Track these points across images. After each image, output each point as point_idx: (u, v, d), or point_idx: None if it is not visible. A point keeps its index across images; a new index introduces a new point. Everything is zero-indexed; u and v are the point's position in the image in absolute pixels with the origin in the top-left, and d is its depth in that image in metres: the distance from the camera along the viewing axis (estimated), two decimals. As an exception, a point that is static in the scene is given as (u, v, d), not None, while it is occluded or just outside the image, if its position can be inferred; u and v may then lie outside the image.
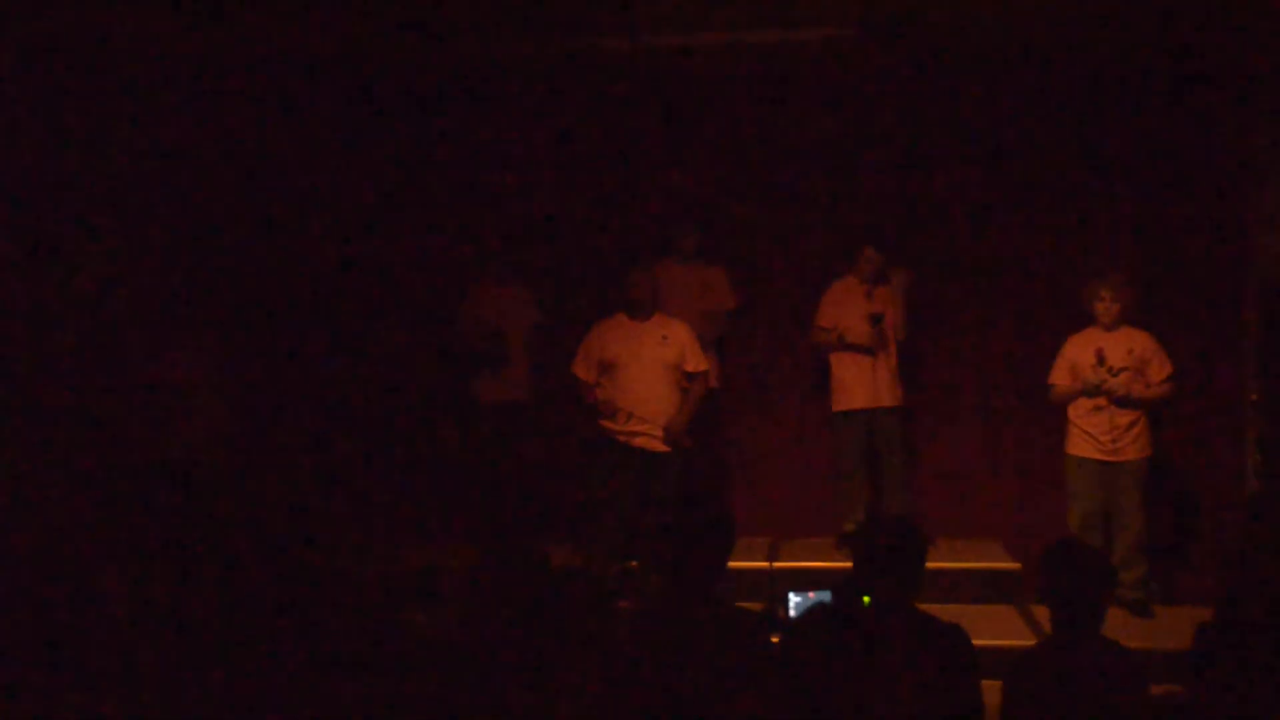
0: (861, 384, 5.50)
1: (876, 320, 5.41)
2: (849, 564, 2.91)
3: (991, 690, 2.80)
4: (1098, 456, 5.03)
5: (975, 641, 2.83)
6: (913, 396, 5.72)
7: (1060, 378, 5.14)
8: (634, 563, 5.17)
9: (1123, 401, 4.95)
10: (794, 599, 3.00)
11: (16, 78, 5.30)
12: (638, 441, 5.12)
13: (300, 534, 4.49)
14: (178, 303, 5.54)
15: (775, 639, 2.97)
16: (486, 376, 5.72)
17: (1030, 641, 4.39)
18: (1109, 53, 5.66)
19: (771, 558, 5.51)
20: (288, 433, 5.94)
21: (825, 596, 3.02)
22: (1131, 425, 5.00)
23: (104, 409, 5.32)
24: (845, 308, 5.51)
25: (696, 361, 5.16)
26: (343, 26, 5.53)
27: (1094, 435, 5.03)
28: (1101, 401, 4.98)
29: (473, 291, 5.84)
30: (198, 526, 4.61)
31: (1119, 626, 3.75)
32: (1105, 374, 4.96)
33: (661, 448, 5.09)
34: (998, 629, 4.78)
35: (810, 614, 3.02)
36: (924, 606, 2.86)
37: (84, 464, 5.14)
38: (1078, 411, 5.08)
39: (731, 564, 3.06)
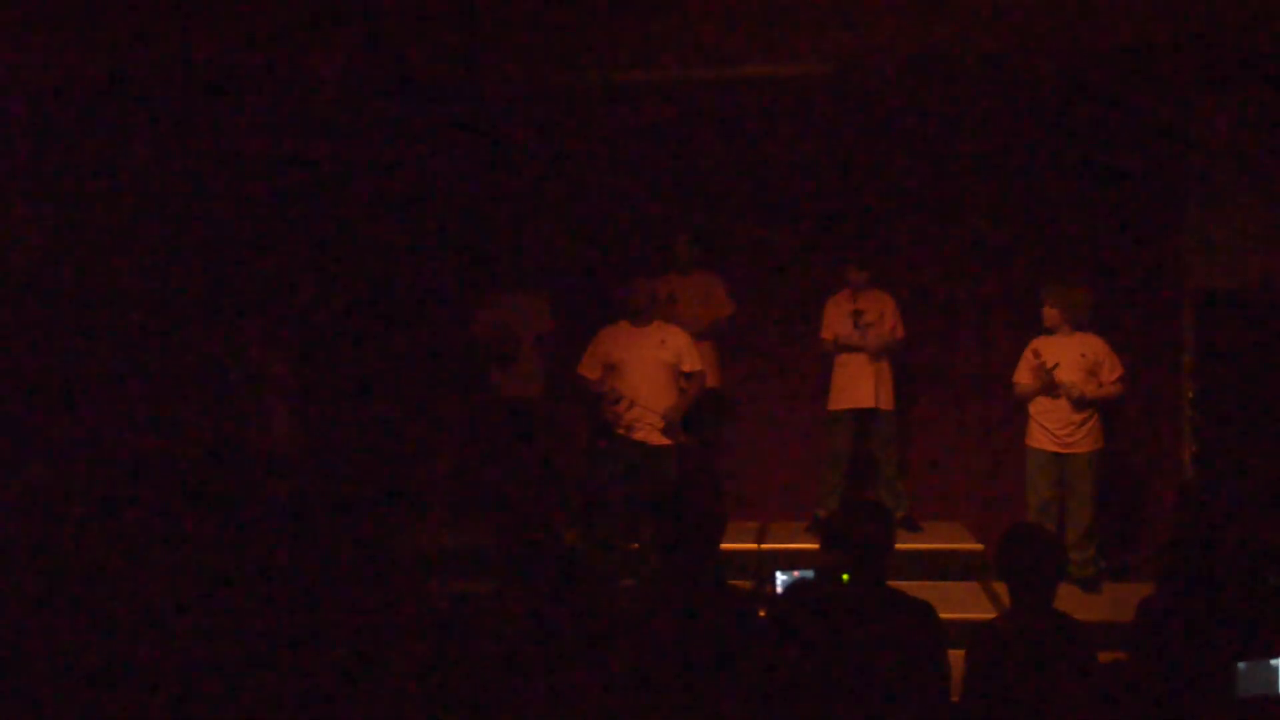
0: (853, 388, 5.51)
1: (856, 316, 5.45)
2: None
3: (956, 658, 2.83)
4: (1054, 449, 5.04)
5: (942, 615, 2.86)
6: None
7: (1022, 377, 5.16)
8: (635, 544, 5.19)
9: (1078, 402, 4.97)
10: (780, 577, 3.01)
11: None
12: (638, 435, 5.12)
13: (356, 513, 4.51)
14: (255, 305, 5.63)
15: (762, 613, 2.99)
16: (501, 374, 5.74)
17: (991, 615, 4.40)
18: (1063, 89, 5.71)
19: (760, 540, 5.53)
20: (342, 421, 5.98)
21: (809, 575, 3.03)
22: (1085, 421, 5.01)
23: (190, 400, 5.42)
24: (837, 317, 5.56)
25: (692, 363, 5.17)
26: (377, 53, 5.57)
27: (1051, 430, 5.04)
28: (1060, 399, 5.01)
29: (490, 297, 5.87)
30: (269, 508, 4.64)
31: (1070, 601, 3.76)
32: (1050, 373, 4.97)
33: (660, 440, 5.09)
34: (962, 604, 4.78)
35: (794, 590, 3.03)
36: (896, 583, 2.89)
37: (171, 450, 5.21)
38: (1037, 408, 5.09)
39: (723, 545, 3.08)
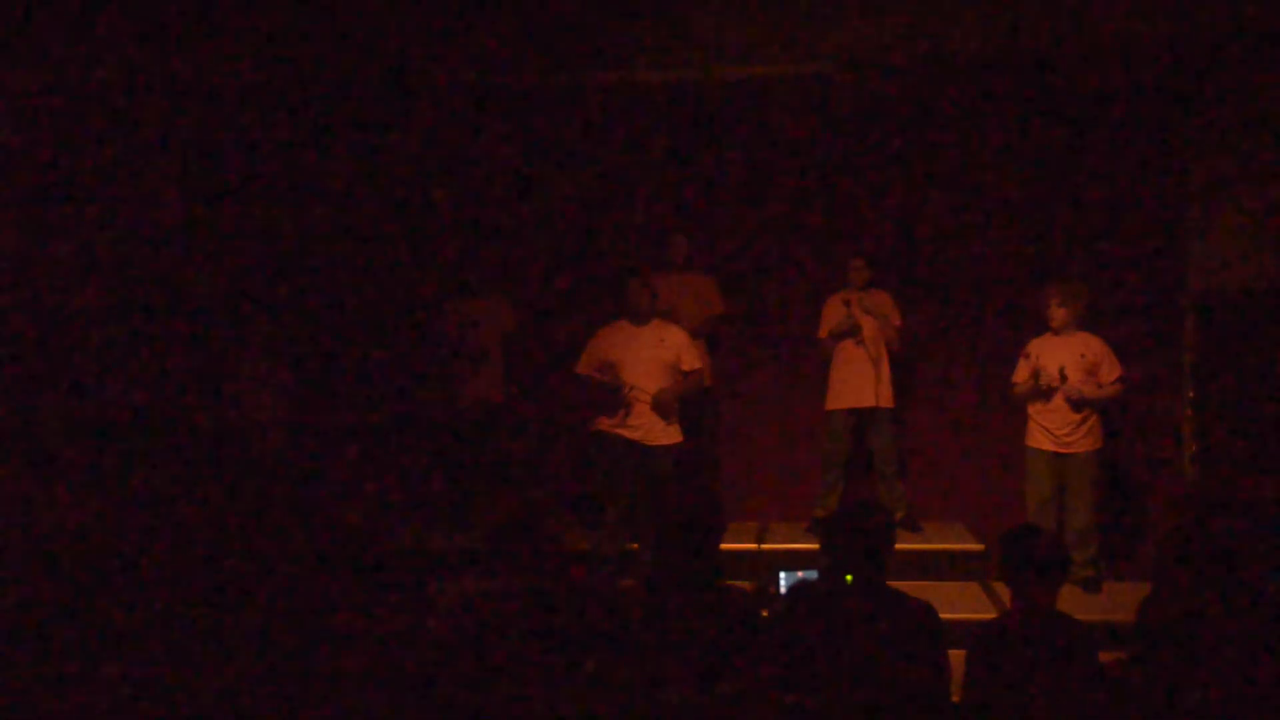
0: (851, 387, 5.52)
1: (848, 304, 5.47)
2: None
3: (957, 658, 2.84)
4: (1052, 449, 5.05)
5: (942, 615, 2.87)
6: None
7: (1021, 378, 5.17)
8: (634, 545, 5.19)
9: (1077, 403, 4.98)
10: (784, 577, 3.02)
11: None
12: (635, 435, 5.11)
13: (340, 514, 4.53)
14: (244, 317, 5.71)
15: (765, 613, 3.00)
16: (467, 378, 5.73)
17: (991, 615, 4.42)
18: (1062, 89, 5.72)
19: (760, 540, 5.53)
20: (324, 423, 6.02)
21: (813, 575, 3.05)
22: (1084, 421, 5.02)
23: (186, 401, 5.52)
24: (835, 315, 5.57)
25: (691, 361, 5.17)
26: (350, 56, 5.62)
27: (1050, 430, 5.05)
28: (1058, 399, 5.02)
29: (455, 300, 5.87)
30: (255, 504, 4.67)
31: (1070, 601, 3.77)
32: (1052, 377, 4.98)
33: (658, 440, 5.08)
34: (963, 604, 4.80)
35: (796, 590, 3.04)
36: (897, 584, 2.90)
37: (162, 450, 5.27)
38: (1036, 408, 5.10)
39: (723, 545, 3.08)
